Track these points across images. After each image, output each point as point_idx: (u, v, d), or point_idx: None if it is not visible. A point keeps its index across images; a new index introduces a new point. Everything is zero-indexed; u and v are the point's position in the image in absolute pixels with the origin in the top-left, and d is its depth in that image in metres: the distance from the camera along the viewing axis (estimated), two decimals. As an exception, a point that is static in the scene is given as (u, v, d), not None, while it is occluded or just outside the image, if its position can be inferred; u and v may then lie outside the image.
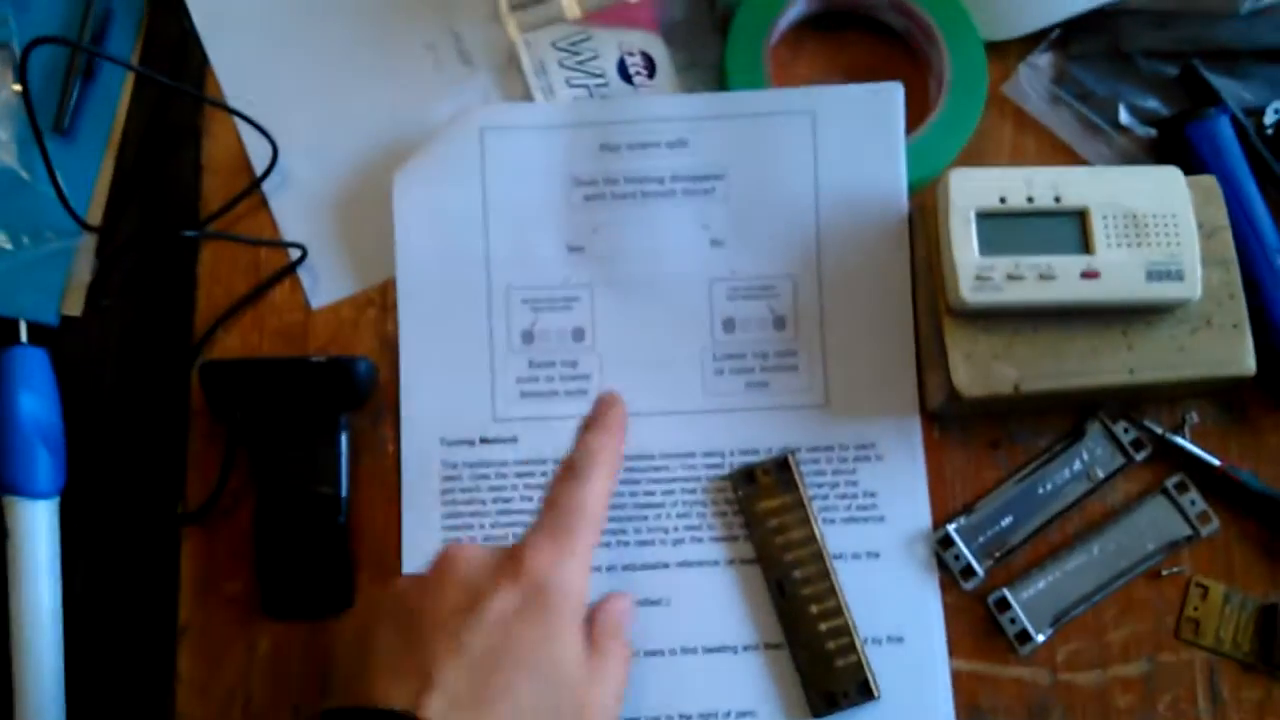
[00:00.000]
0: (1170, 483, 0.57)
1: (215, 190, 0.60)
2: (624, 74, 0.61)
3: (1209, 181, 0.57)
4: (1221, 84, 0.62)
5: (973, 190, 0.54)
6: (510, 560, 0.46)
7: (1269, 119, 0.62)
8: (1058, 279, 0.53)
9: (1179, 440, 0.57)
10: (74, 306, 0.59)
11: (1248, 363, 0.55)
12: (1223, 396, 0.58)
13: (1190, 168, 0.58)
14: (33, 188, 0.60)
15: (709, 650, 0.56)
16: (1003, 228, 0.54)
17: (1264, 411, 0.58)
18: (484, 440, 0.58)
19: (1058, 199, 0.54)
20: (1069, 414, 0.58)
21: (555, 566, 0.45)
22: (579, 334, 0.59)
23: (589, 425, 0.51)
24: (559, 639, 0.45)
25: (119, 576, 0.57)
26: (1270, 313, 0.57)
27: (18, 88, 0.59)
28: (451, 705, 0.42)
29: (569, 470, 0.49)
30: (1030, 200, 0.54)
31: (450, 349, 0.59)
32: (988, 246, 0.54)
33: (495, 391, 0.58)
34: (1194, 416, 0.58)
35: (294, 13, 0.63)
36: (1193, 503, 0.57)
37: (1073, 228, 0.54)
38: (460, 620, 0.44)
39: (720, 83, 0.61)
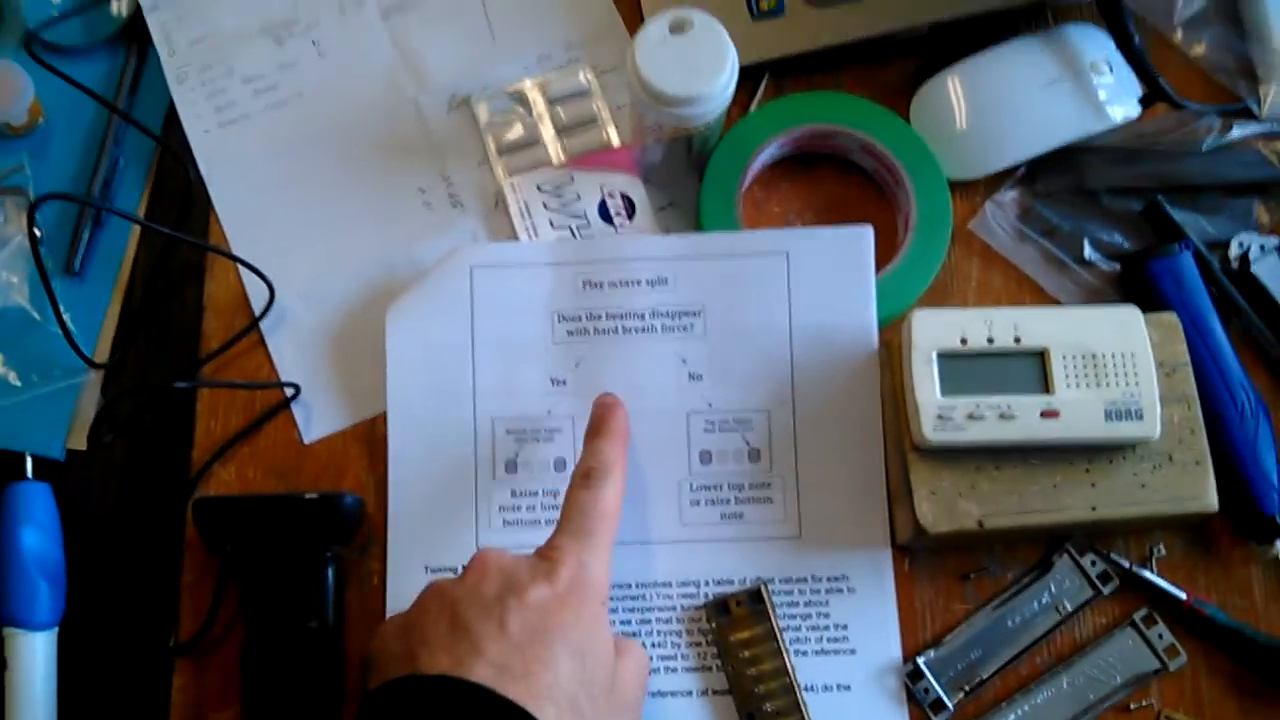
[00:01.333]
0: (1138, 616, 0.58)
1: (216, 329, 0.63)
2: (605, 215, 0.64)
3: (1170, 319, 0.59)
4: (1185, 218, 0.64)
5: (934, 331, 0.56)
6: (541, 559, 0.50)
7: (1233, 252, 0.63)
8: (1018, 419, 0.55)
9: (1146, 574, 0.58)
10: (79, 441, 0.62)
11: (1209, 499, 0.56)
12: (1190, 529, 0.59)
13: (1154, 302, 0.60)
14: (42, 327, 0.63)
15: (680, 782, 0.57)
16: (964, 368, 0.56)
17: (1231, 544, 0.59)
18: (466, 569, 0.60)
19: (1018, 339, 0.56)
20: (1037, 546, 0.59)
21: (583, 564, 0.50)
22: (560, 464, 0.61)
23: (595, 432, 0.57)
24: (592, 624, 0.49)
25: (113, 706, 0.59)
26: (1235, 447, 0.58)
27: (35, 231, 0.62)
28: (497, 672, 0.45)
29: (584, 477, 0.54)
30: (990, 340, 0.56)
31: (437, 479, 0.61)
32: (949, 386, 0.56)
33: (479, 520, 0.60)
34: (1161, 549, 0.59)
35: (294, 159, 0.66)
36: (1160, 636, 0.57)
37: (1033, 368, 0.56)
38: (502, 606, 0.48)
39: (696, 221, 0.64)
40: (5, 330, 0.63)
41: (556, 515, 0.59)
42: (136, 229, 0.66)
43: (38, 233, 0.60)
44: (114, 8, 0.69)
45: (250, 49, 0.68)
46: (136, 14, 0.68)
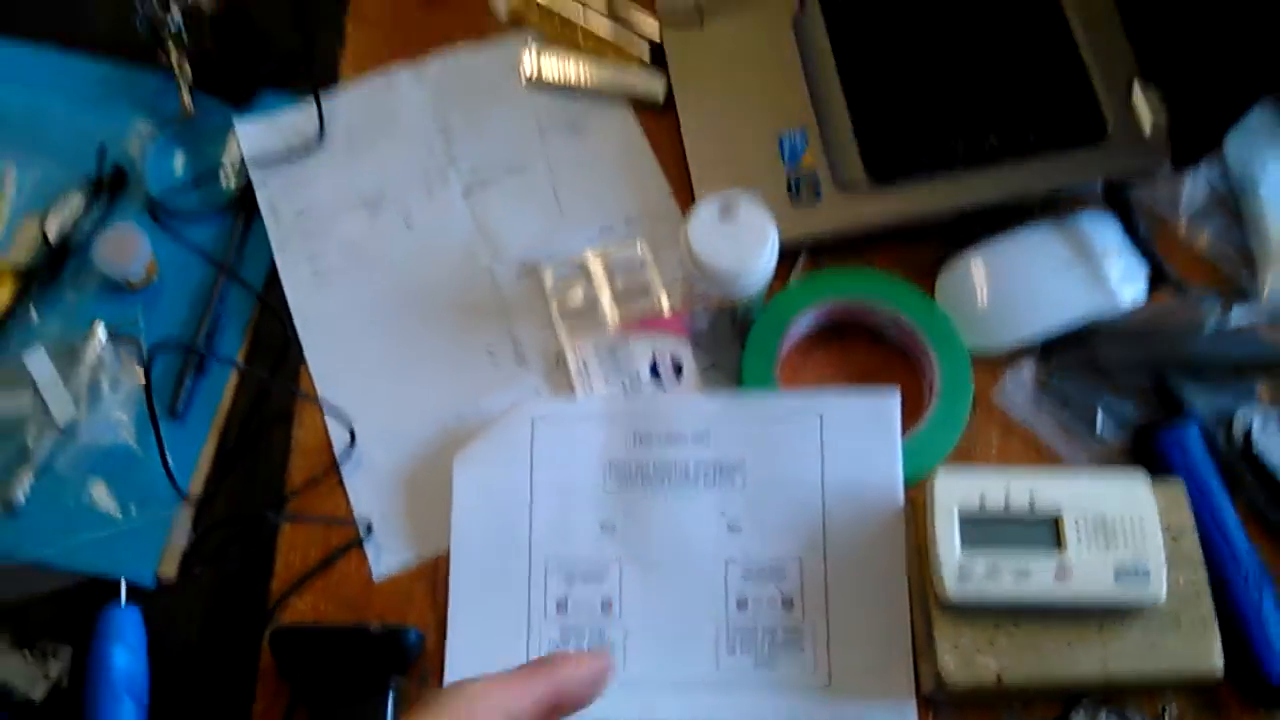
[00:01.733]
0: (1151, 772, 0.61)
1: (300, 468, 0.70)
2: (655, 374, 0.71)
3: (1176, 486, 0.63)
4: (1193, 393, 0.68)
5: (956, 491, 0.61)
6: None
7: (1238, 427, 0.68)
8: (1032, 577, 0.59)
9: (1159, 731, 0.61)
10: (169, 569, 0.68)
11: (1214, 662, 0.59)
12: (1201, 692, 0.62)
13: (1163, 471, 0.65)
14: (144, 463, 0.70)
15: None
16: (982, 527, 0.60)
17: (1241, 709, 0.62)
18: None
19: (1033, 501, 0.61)
20: (1054, 705, 0.62)
21: None
22: (606, 606, 0.65)
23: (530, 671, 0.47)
24: None
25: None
26: (1240, 612, 0.62)
27: (142, 379, 0.69)
28: None
29: None
30: (1007, 502, 0.61)
31: (492, 615, 0.66)
32: (969, 544, 0.60)
33: (530, 655, 0.65)
34: (1174, 709, 0.62)
35: (378, 317, 0.74)
36: (1173, 792, 0.60)
37: (1046, 529, 0.60)
38: None
39: (738, 382, 0.70)
40: (113, 465, 0.70)
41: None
42: (234, 377, 0.73)
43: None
44: (225, 182, 0.78)
45: (346, 220, 0.76)
46: (247, 187, 0.77)
